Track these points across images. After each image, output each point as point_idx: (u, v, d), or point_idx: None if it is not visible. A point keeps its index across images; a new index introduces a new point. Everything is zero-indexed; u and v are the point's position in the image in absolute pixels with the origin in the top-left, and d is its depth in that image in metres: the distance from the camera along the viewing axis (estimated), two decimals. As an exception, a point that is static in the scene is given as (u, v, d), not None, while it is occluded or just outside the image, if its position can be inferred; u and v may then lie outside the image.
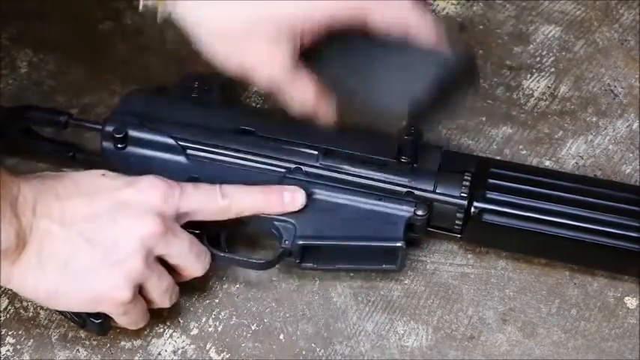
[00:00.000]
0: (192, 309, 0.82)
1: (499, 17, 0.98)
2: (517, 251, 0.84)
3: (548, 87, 0.94)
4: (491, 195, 0.80)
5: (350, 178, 0.81)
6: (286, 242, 0.80)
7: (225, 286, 0.83)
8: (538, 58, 0.96)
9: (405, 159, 0.81)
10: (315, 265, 0.81)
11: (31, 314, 0.81)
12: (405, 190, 0.81)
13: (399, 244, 0.79)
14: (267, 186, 0.80)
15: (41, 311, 0.81)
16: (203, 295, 0.83)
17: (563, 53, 0.96)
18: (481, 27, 0.98)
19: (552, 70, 0.95)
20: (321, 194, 0.81)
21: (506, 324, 0.82)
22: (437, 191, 0.80)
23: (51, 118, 0.85)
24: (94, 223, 0.74)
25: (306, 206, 0.80)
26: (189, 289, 0.82)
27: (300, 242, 0.79)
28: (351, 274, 0.84)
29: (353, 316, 0.82)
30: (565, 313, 0.82)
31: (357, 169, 0.81)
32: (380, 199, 0.81)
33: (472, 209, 0.80)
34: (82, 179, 0.76)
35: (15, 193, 0.72)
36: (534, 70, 0.95)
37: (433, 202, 0.80)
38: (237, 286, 0.83)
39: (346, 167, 0.82)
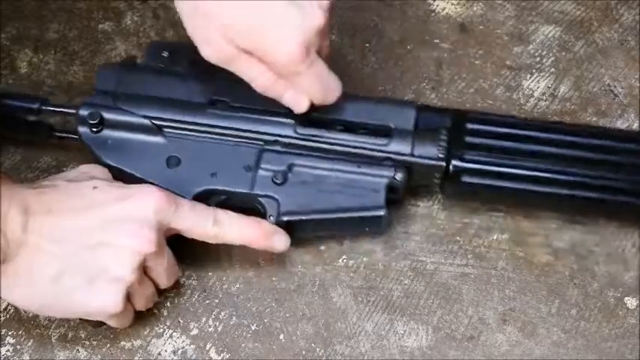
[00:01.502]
0: (192, 309, 0.82)
1: (499, 17, 0.98)
2: (500, 205, 0.85)
3: (548, 87, 0.94)
4: (468, 155, 0.81)
5: (328, 146, 0.81)
6: (271, 217, 0.80)
7: (225, 286, 0.83)
8: (538, 58, 0.96)
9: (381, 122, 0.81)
10: (302, 235, 0.82)
11: (31, 314, 0.81)
12: (383, 155, 0.81)
13: (381, 213, 0.80)
14: (261, 223, 0.80)
15: (41, 311, 0.81)
16: (203, 295, 0.83)
17: (563, 53, 0.96)
18: (481, 27, 0.98)
19: (552, 70, 0.95)
20: (301, 165, 0.82)
21: (506, 324, 0.82)
22: (414, 154, 0.81)
23: (23, 105, 0.84)
24: (84, 240, 0.74)
25: (287, 179, 0.81)
26: (190, 289, 0.82)
27: (285, 218, 0.80)
28: (351, 274, 0.84)
29: (353, 316, 0.82)
30: (565, 313, 0.82)
31: (334, 136, 0.82)
32: (359, 166, 0.81)
33: (450, 169, 0.81)
34: (75, 193, 0.76)
35: (5, 209, 0.72)
36: (534, 70, 0.95)
37: (412, 164, 0.81)
38: (237, 286, 0.83)
39: (324, 135, 0.82)
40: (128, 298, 0.76)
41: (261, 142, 0.82)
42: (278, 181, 0.81)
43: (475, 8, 0.99)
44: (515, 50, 0.96)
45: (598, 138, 0.82)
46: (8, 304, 0.81)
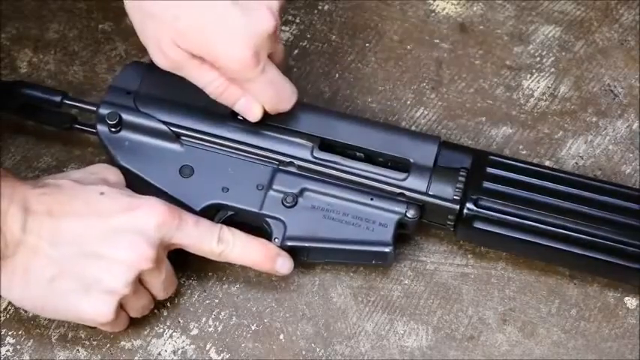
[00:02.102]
0: (192, 309, 0.82)
1: (499, 17, 0.98)
2: (510, 253, 0.84)
3: (548, 87, 0.94)
4: (484, 201, 0.79)
5: (343, 174, 0.80)
6: (276, 240, 0.80)
7: (225, 286, 0.83)
8: (538, 58, 0.96)
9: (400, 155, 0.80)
10: (305, 259, 0.82)
11: (31, 314, 0.81)
12: (398, 190, 0.80)
13: (387, 250, 0.79)
14: (266, 245, 0.79)
15: (41, 311, 0.82)
16: (203, 295, 0.83)
17: (563, 53, 0.96)
18: (481, 27, 0.98)
19: (552, 70, 0.95)
20: (313, 190, 0.81)
21: (506, 324, 0.82)
22: (430, 193, 0.80)
23: (45, 97, 0.84)
24: (83, 247, 0.73)
25: (297, 203, 0.80)
26: (190, 289, 0.82)
27: (289, 243, 0.79)
28: (351, 274, 0.83)
29: (353, 316, 0.82)
30: (565, 313, 0.82)
31: (351, 165, 0.81)
32: (372, 199, 0.80)
33: (464, 213, 0.79)
34: (79, 196, 0.75)
35: (4, 207, 0.71)
36: (534, 70, 0.95)
37: (425, 203, 0.80)
38: (237, 286, 0.83)
39: (340, 162, 0.81)
40: (122, 306, 0.76)
41: (276, 162, 0.81)
42: (288, 204, 0.80)
43: (475, 8, 0.99)
44: (515, 50, 0.96)
45: (618, 198, 0.80)
46: (8, 304, 0.81)
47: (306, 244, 0.80)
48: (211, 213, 0.80)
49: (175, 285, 0.80)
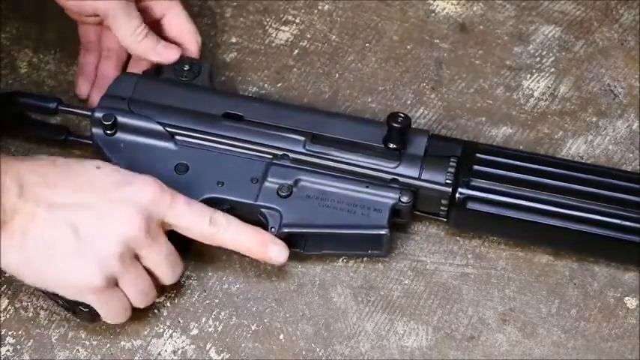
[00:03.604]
0: (192, 309, 0.82)
1: (499, 17, 0.98)
2: (505, 237, 0.85)
3: (548, 87, 0.94)
4: (475, 182, 0.81)
5: (336, 164, 0.82)
6: (272, 229, 0.81)
7: (225, 286, 0.83)
8: (538, 58, 0.96)
9: (392, 145, 0.82)
10: (302, 250, 0.83)
11: (31, 314, 0.81)
12: (390, 177, 0.81)
13: (383, 232, 0.81)
14: (260, 232, 0.80)
15: (41, 311, 0.81)
16: (203, 295, 0.83)
17: (563, 53, 0.96)
18: (481, 27, 0.98)
19: (552, 70, 0.95)
20: (307, 181, 0.82)
21: (506, 324, 0.82)
22: (422, 178, 0.81)
23: (40, 105, 0.86)
24: (79, 214, 0.74)
25: (292, 192, 0.82)
26: (190, 289, 0.82)
27: (286, 230, 0.81)
28: (351, 274, 0.84)
29: (353, 316, 0.82)
30: (565, 313, 0.82)
31: (343, 155, 0.82)
32: (366, 186, 0.82)
33: (456, 196, 0.81)
34: (74, 170, 0.76)
35: None
36: (534, 70, 0.95)
37: (418, 188, 0.81)
38: (237, 286, 0.83)
39: (333, 153, 0.82)
40: (120, 289, 0.76)
41: (270, 156, 0.83)
42: (283, 194, 0.82)
43: (475, 8, 0.99)
44: (515, 50, 0.97)
45: (607, 177, 0.81)
46: (8, 303, 0.81)
47: (303, 230, 0.81)
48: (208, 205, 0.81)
49: (181, 267, 0.79)
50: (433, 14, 0.98)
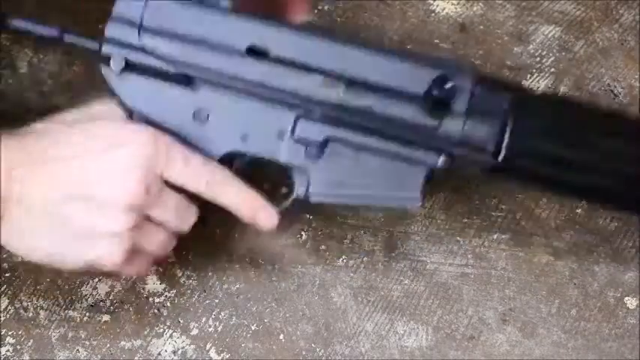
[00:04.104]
0: (192, 309, 0.82)
1: (499, 17, 0.98)
2: (549, 190, 0.81)
3: (548, 87, 0.94)
4: (520, 144, 0.75)
5: (373, 118, 0.74)
6: (299, 193, 0.76)
7: (225, 286, 0.83)
8: (538, 58, 0.96)
9: (436, 95, 0.73)
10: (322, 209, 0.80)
11: (31, 314, 0.81)
12: (431, 135, 0.74)
13: (417, 205, 0.76)
14: (255, 194, 0.76)
15: (41, 311, 0.81)
16: (203, 295, 0.83)
17: (563, 53, 0.96)
18: (481, 27, 0.98)
19: (552, 70, 0.95)
20: (339, 139, 0.75)
21: (506, 324, 0.82)
22: (464, 141, 0.74)
23: (43, 34, 0.79)
24: (71, 191, 0.71)
25: (323, 152, 0.75)
26: (190, 289, 0.82)
27: (314, 198, 0.76)
28: (351, 274, 0.84)
29: (353, 316, 0.82)
30: (565, 313, 0.82)
31: (382, 106, 0.74)
32: (404, 146, 0.75)
33: (499, 158, 0.75)
34: (63, 140, 0.72)
35: None
36: (534, 70, 0.95)
37: (459, 150, 0.75)
38: (237, 286, 0.83)
39: (371, 103, 0.74)
40: (136, 248, 0.73)
41: (298, 104, 0.75)
42: (312, 154, 0.75)
43: (475, 8, 0.99)
44: (515, 50, 0.96)
45: None
46: (8, 303, 0.81)
47: (330, 200, 0.76)
48: (229, 161, 0.76)
49: (194, 213, 0.75)
50: (433, 14, 0.98)
